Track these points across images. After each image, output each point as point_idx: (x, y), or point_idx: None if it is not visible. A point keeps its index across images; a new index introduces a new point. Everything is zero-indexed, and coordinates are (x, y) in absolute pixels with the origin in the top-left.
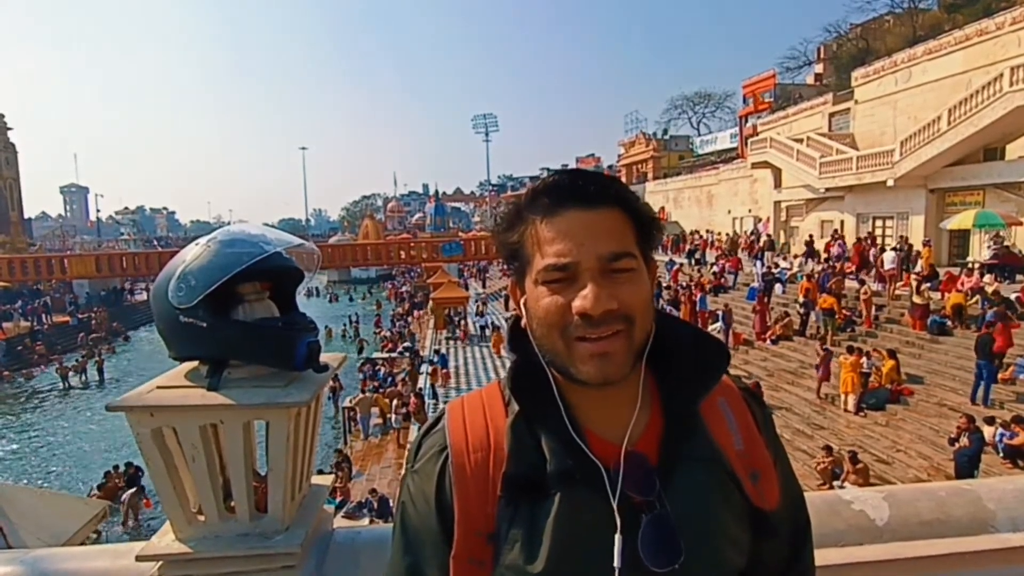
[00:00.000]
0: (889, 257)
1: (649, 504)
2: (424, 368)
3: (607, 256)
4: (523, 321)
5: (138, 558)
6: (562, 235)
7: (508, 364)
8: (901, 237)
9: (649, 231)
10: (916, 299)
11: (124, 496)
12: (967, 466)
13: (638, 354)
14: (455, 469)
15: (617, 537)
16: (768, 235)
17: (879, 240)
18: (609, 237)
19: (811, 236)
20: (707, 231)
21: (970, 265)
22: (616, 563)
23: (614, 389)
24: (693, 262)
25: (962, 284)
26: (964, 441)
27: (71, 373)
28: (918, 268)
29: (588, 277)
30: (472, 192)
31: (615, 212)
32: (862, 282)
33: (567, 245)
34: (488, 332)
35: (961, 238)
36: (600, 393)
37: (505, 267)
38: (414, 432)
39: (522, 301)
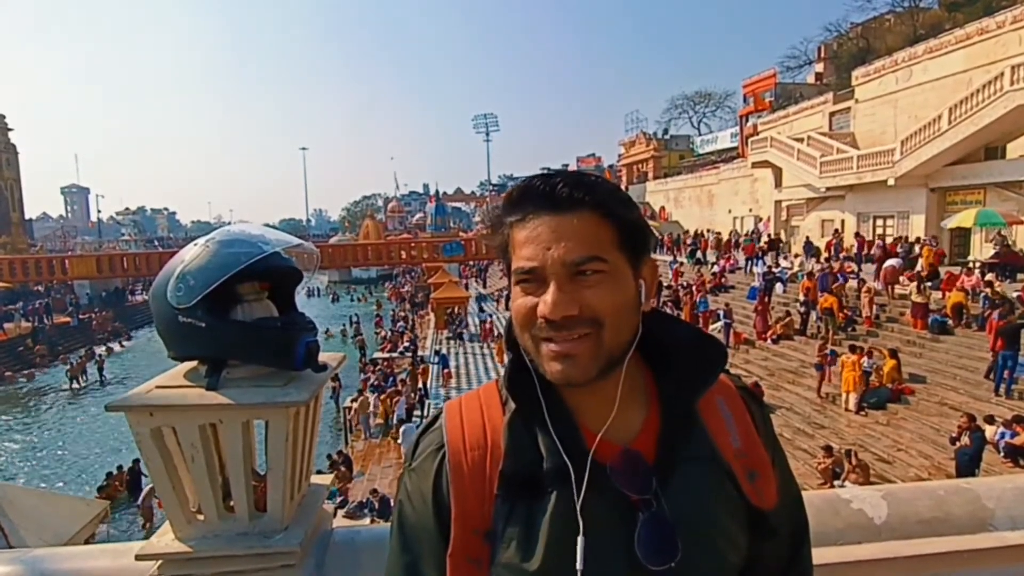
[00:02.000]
0: (892, 260)
1: (646, 502)
2: (420, 367)
3: (571, 261)
4: None
5: (138, 557)
6: (531, 240)
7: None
8: (902, 237)
9: (633, 233)
10: (916, 298)
11: (142, 496)
12: (968, 465)
13: (612, 357)
14: (452, 467)
15: (580, 539)
16: (770, 234)
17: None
18: (577, 242)
19: (859, 235)
20: (707, 230)
21: (970, 264)
22: (579, 565)
23: (605, 389)
24: (693, 262)
25: (962, 283)
26: (965, 440)
27: (79, 374)
28: (918, 267)
29: (553, 281)
30: (473, 192)
31: (589, 215)
32: (863, 281)
33: (534, 250)
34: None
35: (962, 237)
36: (596, 392)
37: (502, 267)
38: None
39: None
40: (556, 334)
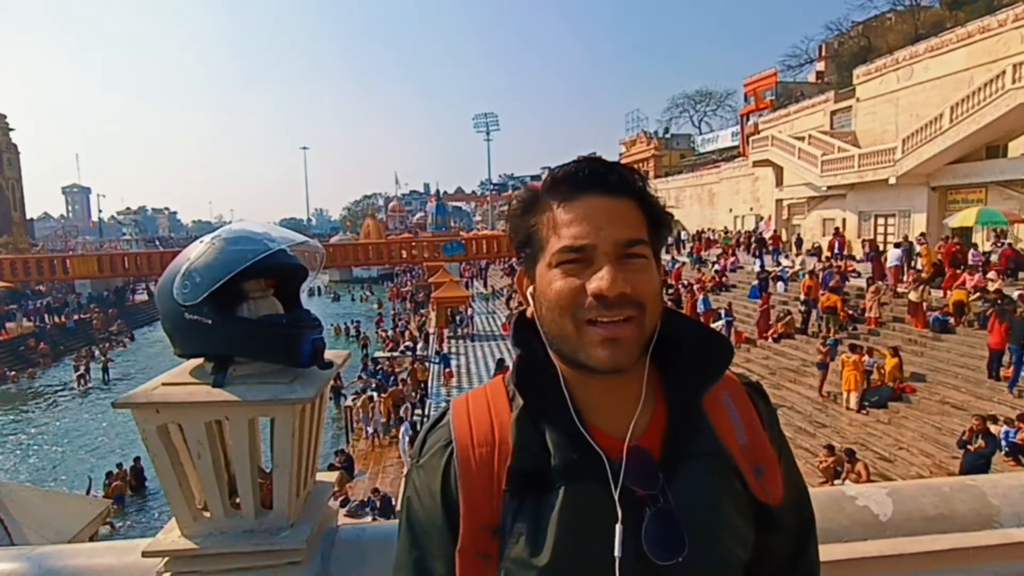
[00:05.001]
0: (894, 255)
1: (652, 498)
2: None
3: (623, 241)
4: (529, 312)
5: (144, 554)
6: (580, 218)
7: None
8: (905, 236)
9: (659, 226)
10: (913, 296)
11: None
12: (982, 468)
13: (646, 344)
14: (460, 463)
15: (618, 527)
16: (774, 230)
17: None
18: (626, 224)
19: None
20: (708, 230)
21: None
22: (617, 552)
23: (619, 383)
24: (694, 261)
25: (964, 282)
26: (980, 443)
27: (86, 371)
28: (919, 266)
29: (604, 260)
30: (473, 191)
31: (631, 202)
32: (871, 280)
33: (585, 228)
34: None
35: (963, 236)
36: (605, 387)
37: (515, 258)
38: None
39: (529, 291)
40: (606, 314)
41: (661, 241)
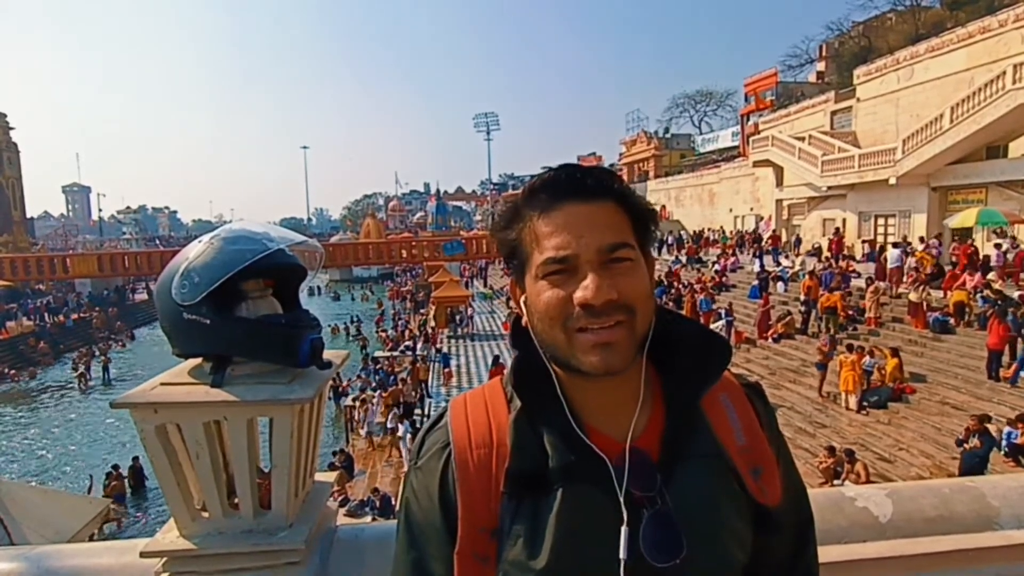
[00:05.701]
0: (893, 255)
1: (650, 499)
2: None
3: (606, 247)
4: (524, 319)
5: (142, 554)
6: (560, 229)
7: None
8: (904, 236)
9: (645, 224)
10: (913, 297)
11: None
12: (977, 467)
13: (640, 345)
14: (458, 465)
15: (624, 529)
16: (773, 230)
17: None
18: (607, 229)
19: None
20: (708, 229)
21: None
22: (622, 555)
23: (616, 384)
24: (691, 262)
25: (964, 282)
26: (975, 442)
27: (87, 368)
28: (911, 264)
29: (588, 268)
30: (474, 191)
31: (612, 205)
32: (871, 280)
33: (566, 238)
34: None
35: (964, 236)
36: (602, 389)
37: (505, 266)
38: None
39: (522, 299)
40: (594, 321)
41: (649, 238)
